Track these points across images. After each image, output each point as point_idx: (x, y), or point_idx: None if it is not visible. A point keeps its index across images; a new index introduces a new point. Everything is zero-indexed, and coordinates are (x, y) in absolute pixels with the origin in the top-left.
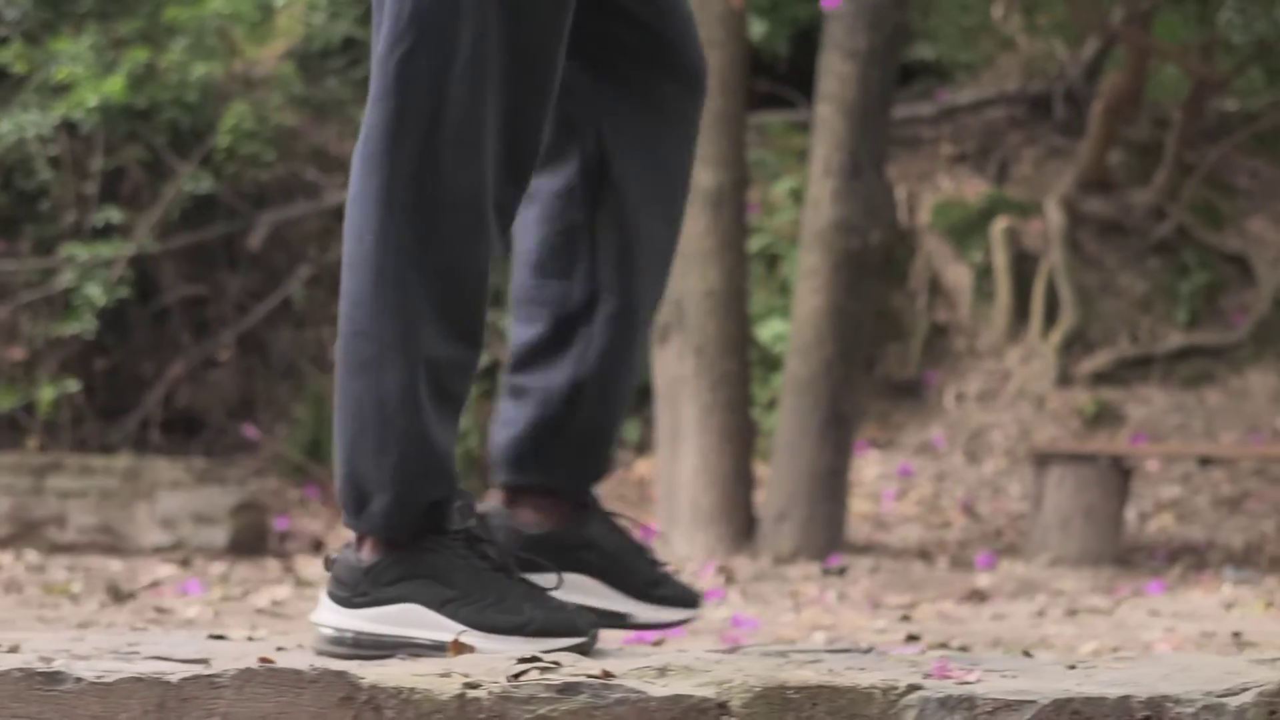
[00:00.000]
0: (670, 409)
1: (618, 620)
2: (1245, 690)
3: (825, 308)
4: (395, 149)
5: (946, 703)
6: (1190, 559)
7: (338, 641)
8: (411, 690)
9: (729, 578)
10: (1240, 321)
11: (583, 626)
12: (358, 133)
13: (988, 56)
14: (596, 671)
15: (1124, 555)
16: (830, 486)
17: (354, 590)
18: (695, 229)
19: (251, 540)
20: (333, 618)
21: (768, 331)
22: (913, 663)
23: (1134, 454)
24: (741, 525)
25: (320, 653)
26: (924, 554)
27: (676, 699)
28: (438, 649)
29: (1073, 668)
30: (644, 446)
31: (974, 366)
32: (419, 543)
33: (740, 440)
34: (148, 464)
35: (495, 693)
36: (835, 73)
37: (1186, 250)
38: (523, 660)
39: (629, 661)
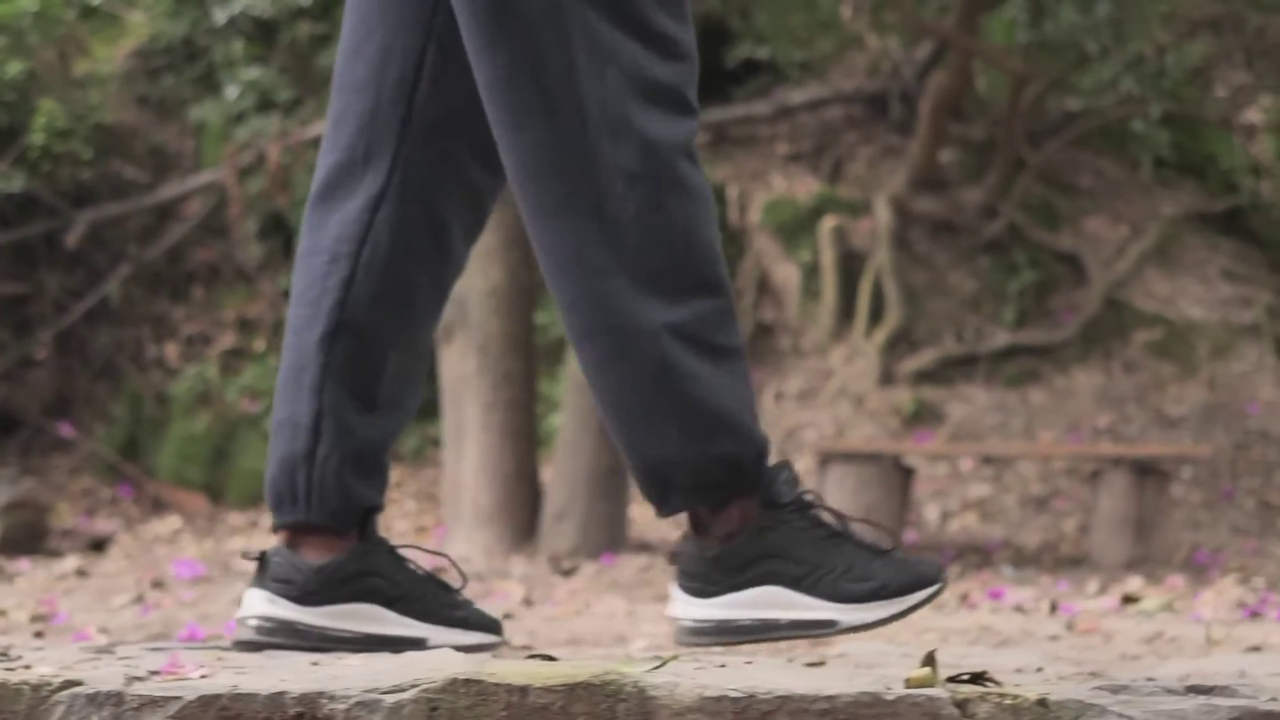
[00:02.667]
0: (454, 408)
1: (416, 645)
2: (414, 686)
3: None
4: (563, 158)
5: (95, 699)
6: (975, 558)
7: (699, 632)
8: None
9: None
10: (1069, 320)
11: (933, 574)
12: (196, 131)
13: (825, 56)
14: None
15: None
16: (611, 485)
17: (706, 580)
18: None
19: (26, 538)
20: (691, 610)
21: None
22: (151, 658)
23: (912, 453)
24: (523, 524)
25: (682, 644)
26: None
27: None
28: (800, 627)
29: (315, 664)
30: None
31: (797, 365)
32: (761, 519)
33: (523, 439)
34: None
35: None
36: None
37: (1017, 249)
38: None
39: None
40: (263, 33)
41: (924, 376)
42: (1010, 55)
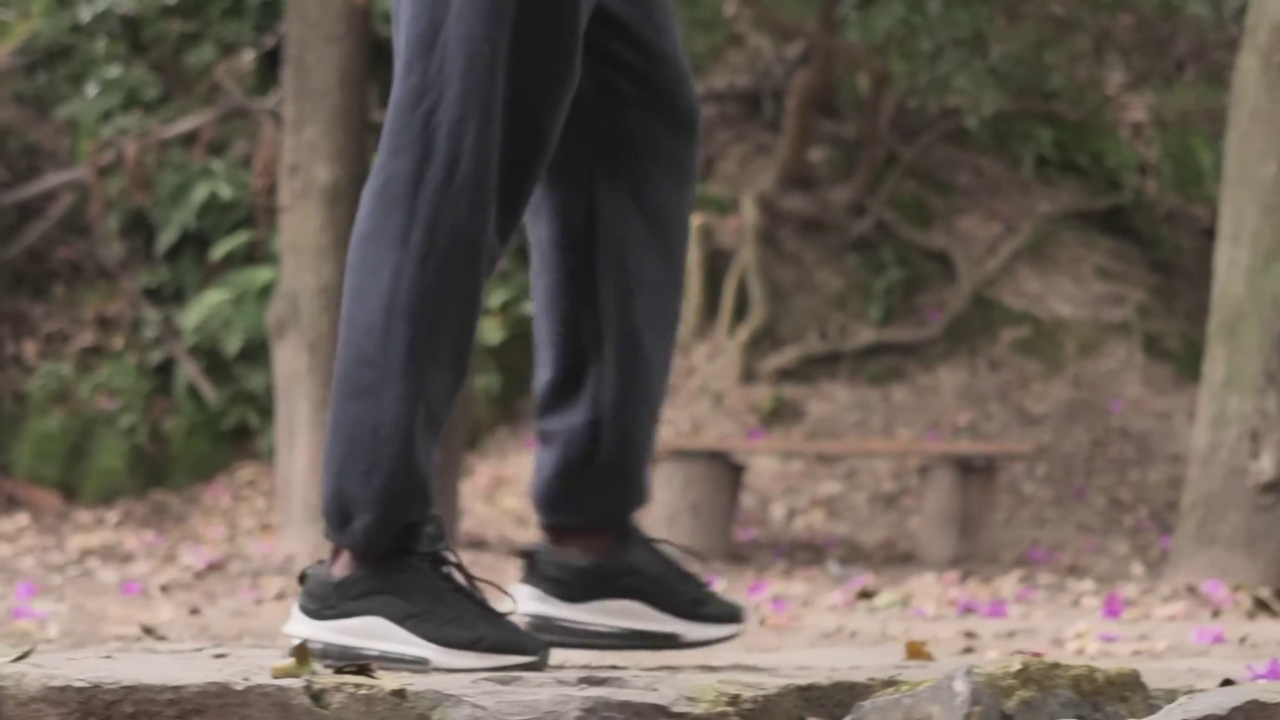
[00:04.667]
0: (287, 405)
1: (669, 641)
2: None
3: None
4: (417, 195)
5: None
6: (806, 555)
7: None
8: None
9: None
10: (935, 318)
11: (532, 647)
12: (73, 130)
13: (700, 54)
14: None
15: (741, 551)
16: (439, 483)
17: (323, 603)
18: (311, 225)
19: None
20: (302, 629)
21: None
22: None
23: (739, 450)
24: None
25: None
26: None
27: None
28: (392, 659)
29: None
30: None
31: None
32: (388, 561)
33: None
34: None
35: None
36: None
37: (885, 247)
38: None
39: None
40: (131, 31)
41: (786, 374)
42: (871, 54)
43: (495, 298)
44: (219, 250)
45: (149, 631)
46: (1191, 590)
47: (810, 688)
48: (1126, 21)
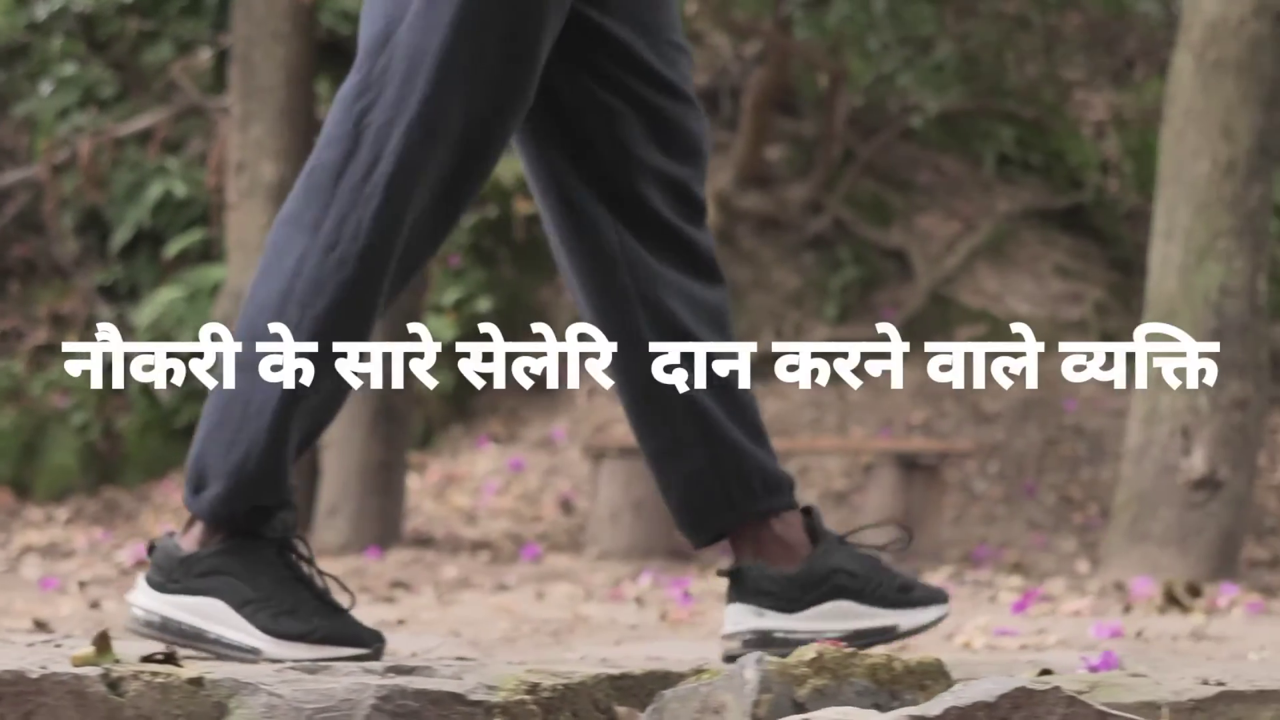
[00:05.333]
0: None
1: (888, 634)
2: None
3: None
4: (336, 188)
5: None
6: None
7: (147, 623)
8: None
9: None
10: (891, 317)
11: (367, 639)
12: (32, 127)
13: None
14: None
15: (685, 549)
16: (383, 480)
17: (168, 576)
18: (256, 222)
19: None
20: (144, 599)
21: None
22: None
23: None
24: (298, 518)
25: (130, 630)
26: (479, 547)
27: None
28: (225, 645)
29: None
30: None
31: None
32: (234, 540)
33: None
34: None
35: None
36: None
37: (842, 245)
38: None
39: None
40: (88, 29)
41: None
42: (828, 52)
43: (449, 295)
44: (173, 248)
45: (41, 625)
46: (1119, 587)
47: (623, 677)
48: (1076, 20)
